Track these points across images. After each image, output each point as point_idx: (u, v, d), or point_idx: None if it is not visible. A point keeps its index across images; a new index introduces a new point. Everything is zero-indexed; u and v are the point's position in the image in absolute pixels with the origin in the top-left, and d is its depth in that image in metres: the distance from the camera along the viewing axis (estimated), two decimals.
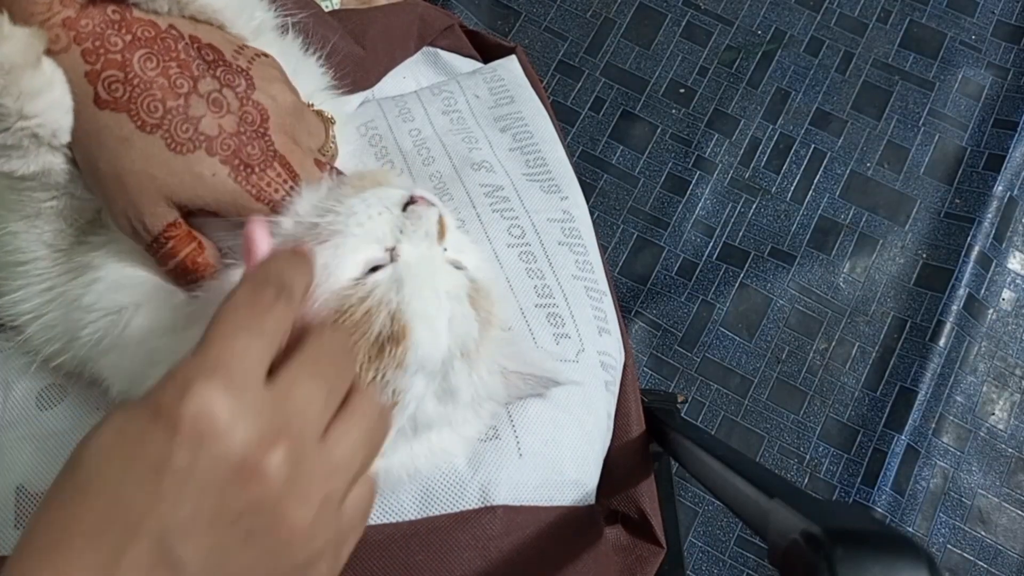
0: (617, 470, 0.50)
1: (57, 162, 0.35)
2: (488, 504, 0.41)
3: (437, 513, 0.40)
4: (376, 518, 0.39)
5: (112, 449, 0.23)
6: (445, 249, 0.38)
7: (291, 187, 0.37)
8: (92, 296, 0.36)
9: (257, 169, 0.36)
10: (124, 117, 0.34)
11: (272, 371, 0.25)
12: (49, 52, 0.33)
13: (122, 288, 0.36)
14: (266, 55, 0.39)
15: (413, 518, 0.40)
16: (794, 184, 1.13)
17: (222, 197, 0.36)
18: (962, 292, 1.06)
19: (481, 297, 0.38)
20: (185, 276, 0.37)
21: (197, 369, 0.23)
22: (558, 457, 0.44)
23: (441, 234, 0.38)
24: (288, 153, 0.37)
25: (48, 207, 0.37)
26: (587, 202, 0.56)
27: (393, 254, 0.35)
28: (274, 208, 0.37)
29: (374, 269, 0.35)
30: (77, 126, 0.34)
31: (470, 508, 0.41)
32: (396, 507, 0.40)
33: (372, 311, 0.34)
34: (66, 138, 0.35)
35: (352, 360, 0.28)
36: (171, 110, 0.34)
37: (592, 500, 0.47)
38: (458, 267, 0.38)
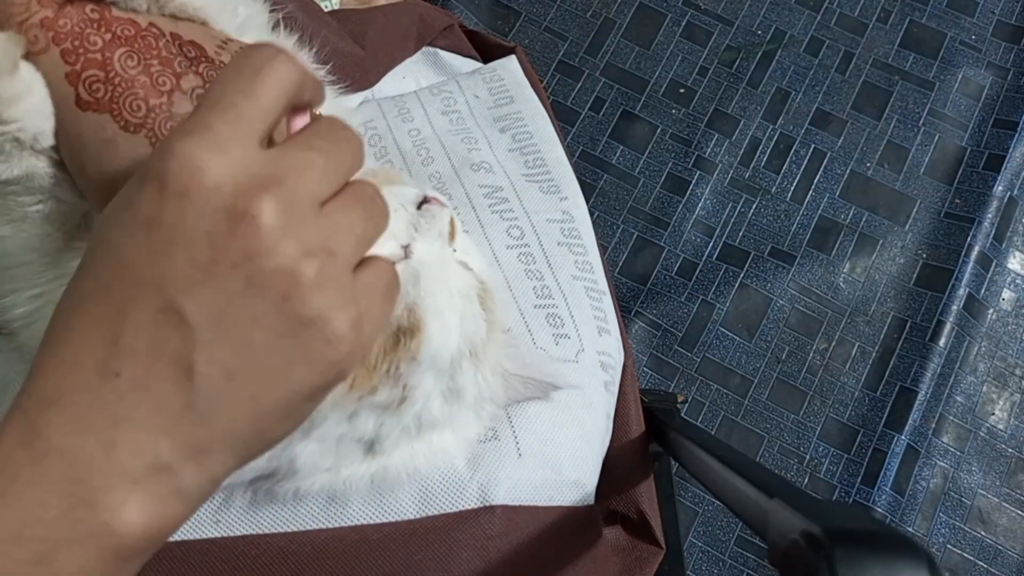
0: (617, 470, 0.50)
1: (41, 166, 0.35)
2: (487, 504, 0.41)
3: (436, 513, 0.40)
4: (375, 517, 0.39)
5: (112, 216, 0.23)
6: (454, 250, 0.39)
7: None
8: None
9: None
10: (107, 118, 0.33)
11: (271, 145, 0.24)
12: (28, 54, 0.33)
13: None
14: None
15: (412, 517, 0.40)
16: (794, 184, 1.13)
17: None
18: (962, 292, 1.06)
19: (488, 298, 0.39)
20: None
21: (182, 130, 0.23)
22: (557, 457, 0.44)
23: (452, 235, 0.38)
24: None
25: (34, 211, 0.37)
26: (587, 202, 0.56)
27: (408, 251, 0.36)
28: None
29: None
30: (61, 129, 0.34)
31: (469, 508, 0.41)
32: (395, 507, 0.40)
33: None
34: (49, 142, 0.34)
35: (356, 149, 0.26)
36: (154, 108, 0.34)
37: (591, 500, 0.47)
38: (466, 268, 0.39)
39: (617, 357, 0.52)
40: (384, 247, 0.36)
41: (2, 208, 0.37)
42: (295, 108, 0.27)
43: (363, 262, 0.26)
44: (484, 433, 0.42)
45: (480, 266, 0.40)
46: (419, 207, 0.38)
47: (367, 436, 0.36)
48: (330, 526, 0.39)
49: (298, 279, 0.23)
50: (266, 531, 0.38)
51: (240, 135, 0.23)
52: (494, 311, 0.40)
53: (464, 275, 0.38)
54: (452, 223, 0.38)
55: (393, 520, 0.40)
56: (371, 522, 0.39)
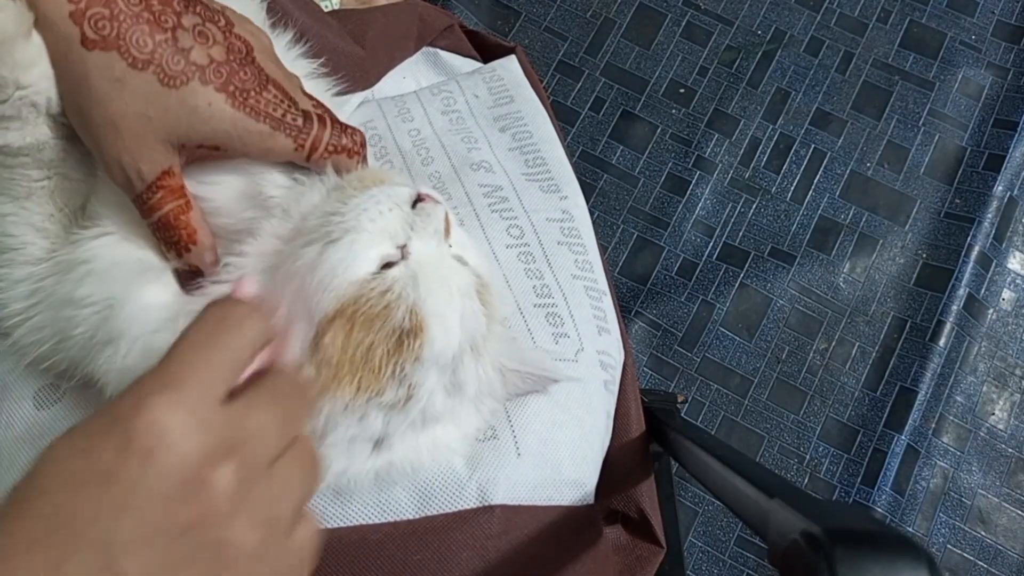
0: (617, 470, 0.50)
1: (52, 136, 0.35)
2: (486, 504, 0.41)
3: (435, 512, 0.40)
4: (374, 517, 0.39)
5: (67, 458, 0.23)
6: (450, 245, 0.39)
7: (289, 106, 0.37)
8: (85, 288, 0.36)
9: (253, 92, 0.36)
10: (114, 55, 0.33)
11: (231, 396, 0.25)
12: None
13: (115, 278, 0.36)
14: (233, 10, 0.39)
15: (411, 517, 0.40)
16: (794, 184, 1.13)
17: (221, 126, 0.35)
18: (962, 292, 1.06)
19: (487, 293, 0.39)
20: (167, 235, 0.36)
21: (154, 383, 0.23)
22: (557, 457, 0.44)
23: (447, 231, 0.38)
24: (280, 79, 0.37)
25: (40, 187, 0.37)
26: (587, 202, 0.56)
27: (404, 251, 0.36)
28: (275, 126, 0.36)
29: (387, 266, 0.36)
30: (65, 75, 0.34)
31: (468, 508, 0.40)
32: (394, 507, 0.40)
33: (392, 305, 0.34)
34: (59, 108, 0.35)
35: (305, 405, 0.28)
36: (160, 43, 0.34)
37: (591, 500, 0.47)
38: (462, 263, 0.39)
39: (617, 356, 0.52)
40: (381, 248, 0.36)
41: (8, 183, 0.37)
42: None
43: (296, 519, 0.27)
44: (483, 431, 0.42)
45: (477, 260, 0.41)
46: (413, 205, 0.38)
47: (376, 435, 0.36)
48: (329, 526, 0.39)
49: (241, 550, 0.24)
50: None
51: (208, 394, 0.24)
52: (492, 305, 0.40)
53: (462, 272, 0.38)
54: (447, 219, 0.38)
55: (392, 520, 0.40)
56: (370, 522, 0.39)
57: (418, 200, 0.38)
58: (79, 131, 0.36)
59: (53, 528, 0.22)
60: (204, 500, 0.23)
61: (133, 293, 0.36)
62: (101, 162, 0.36)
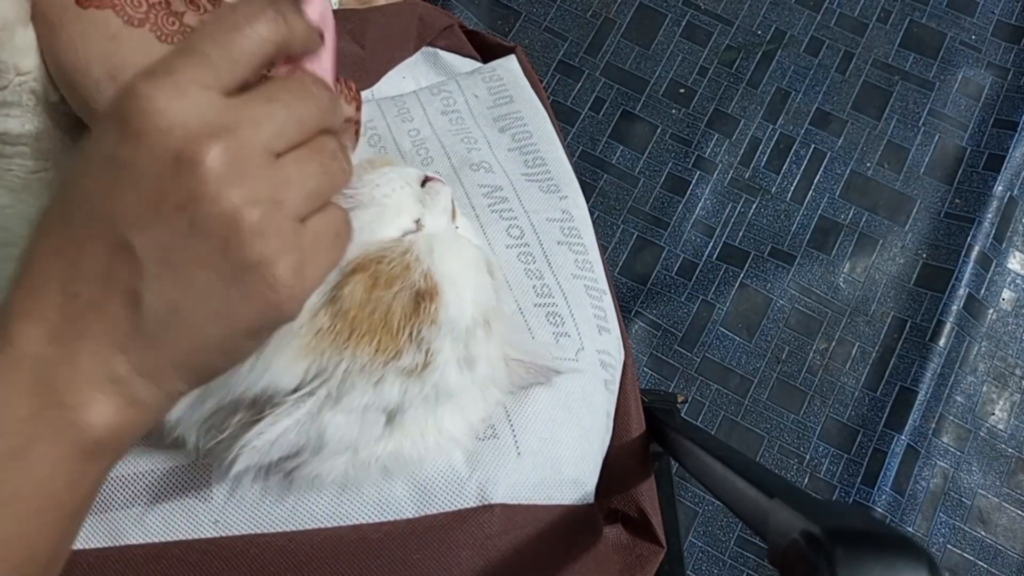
0: (617, 470, 0.50)
1: (51, 125, 0.36)
2: (486, 503, 0.41)
3: (435, 512, 0.40)
4: (374, 516, 0.39)
5: (82, 150, 0.25)
6: (457, 227, 0.40)
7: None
8: None
9: None
10: (110, 14, 0.34)
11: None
12: None
13: None
14: None
15: (411, 516, 0.40)
16: (794, 184, 1.13)
17: None
18: (962, 292, 1.06)
19: (495, 271, 0.41)
20: None
21: (149, 71, 0.24)
22: (557, 456, 0.44)
23: (453, 214, 0.40)
24: None
25: (36, 178, 0.38)
26: (587, 202, 0.56)
27: (419, 225, 0.37)
28: None
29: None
30: (61, 37, 0.34)
31: (468, 507, 0.40)
32: (394, 506, 0.40)
33: (411, 265, 0.35)
34: (58, 95, 0.35)
35: (333, 110, 0.27)
36: (154, 6, 0.35)
37: (591, 499, 0.47)
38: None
39: (617, 356, 0.52)
40: (398, 220, 0.37)
41: (5, 174, 0.38)
42: (286, 59, 0.28)
43: (316, 210, 0.27)
44: (485, 429, 0.42)
45: (481, 245, 0.42)
46: (422, 185, 0.39)
47: (391, 404, 0.36)
48: (329, 525, 0.39)
49: (239, 225, 0.24)
50: (265, 531, 0.38)
51: (203, 82, 0.24)
52: (500, 283, 0.41)
53: (473, 248, 0.39)
54: (452, 203, 0.40)
55: (392, 519, 0.40)
56: (370, 521, 0.39)
57: (426, 181, 0.39)
58: (75, 101, 0.36)
59: (72, 210, 0.24)
60: (194, 177, 0.23)
61: None
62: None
